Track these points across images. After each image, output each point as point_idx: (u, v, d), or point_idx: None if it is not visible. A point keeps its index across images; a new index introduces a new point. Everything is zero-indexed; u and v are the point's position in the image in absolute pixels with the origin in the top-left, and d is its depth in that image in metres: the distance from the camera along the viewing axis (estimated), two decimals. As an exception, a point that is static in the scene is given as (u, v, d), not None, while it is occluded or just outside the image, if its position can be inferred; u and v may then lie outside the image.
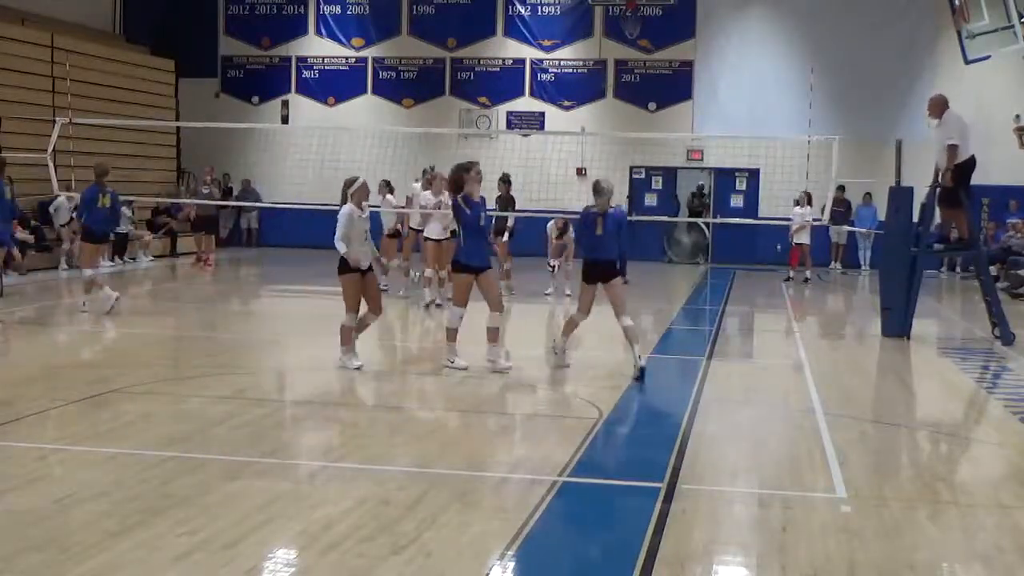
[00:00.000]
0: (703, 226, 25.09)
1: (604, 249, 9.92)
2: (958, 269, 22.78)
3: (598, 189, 10.02)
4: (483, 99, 26.16)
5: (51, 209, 19.66)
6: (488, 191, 16.28)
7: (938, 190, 12.87)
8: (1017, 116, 22.83)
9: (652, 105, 25.54)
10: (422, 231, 15.18)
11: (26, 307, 14.02)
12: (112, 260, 20.45)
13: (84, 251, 13.86)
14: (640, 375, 9.63)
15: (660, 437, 7.93)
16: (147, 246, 22.24)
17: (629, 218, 23.81)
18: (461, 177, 10.03)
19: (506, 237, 16.32)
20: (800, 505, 6.10)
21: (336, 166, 22.70)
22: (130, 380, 9.22)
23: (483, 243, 10.18)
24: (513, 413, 8.57)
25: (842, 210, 23.01)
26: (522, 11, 26.01)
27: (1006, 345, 12.56)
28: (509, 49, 26.17)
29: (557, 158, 22.48)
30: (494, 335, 9.98)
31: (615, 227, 9.93)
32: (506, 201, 16.64)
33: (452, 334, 10.00)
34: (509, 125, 25.72)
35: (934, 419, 9.00)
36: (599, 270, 9.92)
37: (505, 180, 16.72)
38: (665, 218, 24.25)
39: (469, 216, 9.93)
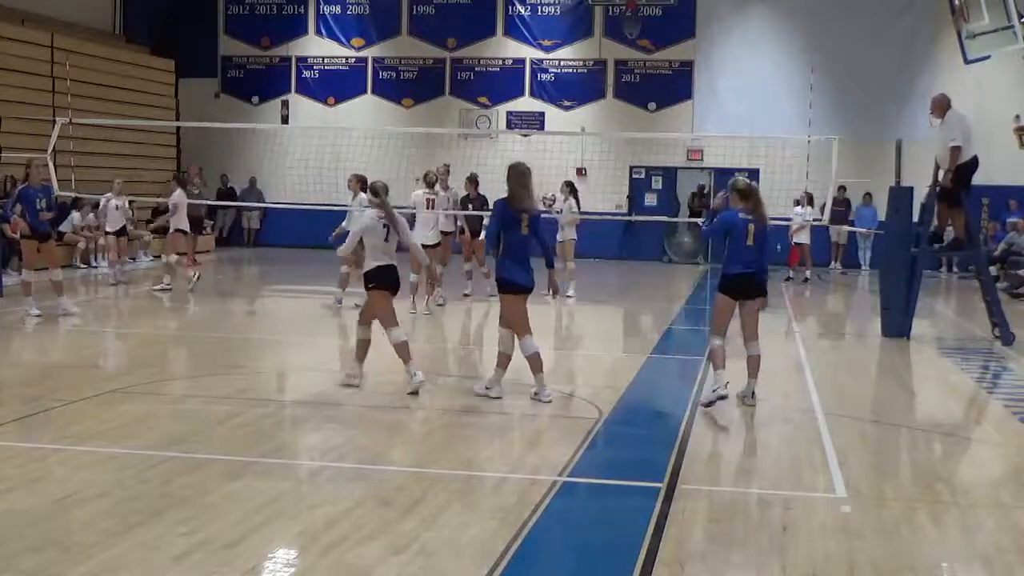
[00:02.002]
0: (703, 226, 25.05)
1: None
2: (955, 269, 22.79)
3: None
4: (483, 99, 26.16)
5: (105, 208, 19.58)
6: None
7: (938, 189, 12.88)
8: (1017, 116, 22.84)
9: (652, 105, 25.54)
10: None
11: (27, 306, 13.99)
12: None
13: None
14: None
15: (660, 437, 7.93)
16: (147, 246, 22.23)
17: (630, 218, 24.12)
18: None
19: (482, 237, 16.14)
20: (800, 505, 6.10)
21: (336, 166, 22.77)
22: (130, 380, 9.23)
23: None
24: (513, 413, 8.56)
25: (842, 210, 23.02)
26: (522, 11, 26.01)
27: (1006, 345, 12.56)
28: (509, 49, 26.17)
29: (557, 158, 22.47)
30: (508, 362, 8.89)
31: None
32: (475, 201, 16.47)
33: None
34: (509, 125, 25.72)
35: (934, 419, 9.00)
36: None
37: (472, 180, 16.60)
38: (665, 218, 24.25)
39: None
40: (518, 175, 8.83)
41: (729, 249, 8.74)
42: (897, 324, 12.90)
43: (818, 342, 13.69)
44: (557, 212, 16.68)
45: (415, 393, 8.81)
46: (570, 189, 16.76)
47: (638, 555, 5.18)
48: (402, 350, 8.95)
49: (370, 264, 9.06)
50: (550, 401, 8.61)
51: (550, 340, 13.63)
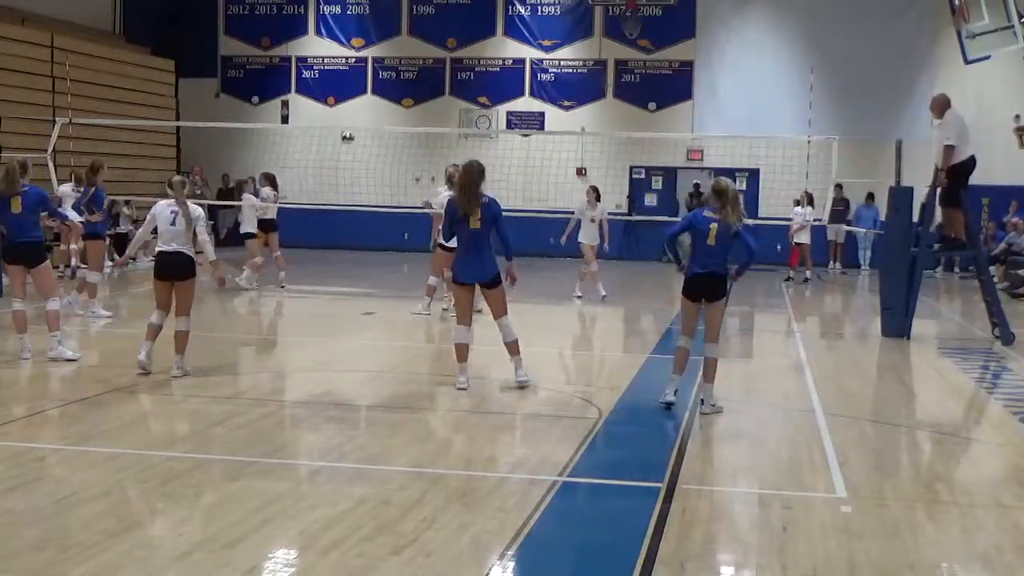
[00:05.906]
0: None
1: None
2: (956, 269, 22.78)
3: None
4: (483, 99, 26.17)
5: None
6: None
7: (939, 190, 12.92)
8: (1017, 116, 22.86)
9: (652, 105, 25.54)
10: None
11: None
12: (112, 260, 20.46)
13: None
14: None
15: (660, 437, 7.93)
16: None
17: (630, 218, 24.11)
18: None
19: None
20: (800, 505, 6.10)
21: (336, 166, 22.79)
22: (130, 380, 9.23)
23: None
24: (513, 413, 8.56)
25: (841, 209, 23.02)
26: (522, 11, 26.02)
27: (1006, 345, 12.57)
28: (509, 49, 26.18)
29: (557, 158, 22.47)
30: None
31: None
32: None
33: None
34: (509, 125, 25.73)
35: (934, 419, 9.00)
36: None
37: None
38: (665, 218, 24.21)
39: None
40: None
41: (692, 249, 8.59)
42: (897, 324, 12.90)
43: (818, 342, 13.69)
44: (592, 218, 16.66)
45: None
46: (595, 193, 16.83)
47: (638, 555, 5.18)
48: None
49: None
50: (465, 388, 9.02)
51: (550, 340, 13.63)
